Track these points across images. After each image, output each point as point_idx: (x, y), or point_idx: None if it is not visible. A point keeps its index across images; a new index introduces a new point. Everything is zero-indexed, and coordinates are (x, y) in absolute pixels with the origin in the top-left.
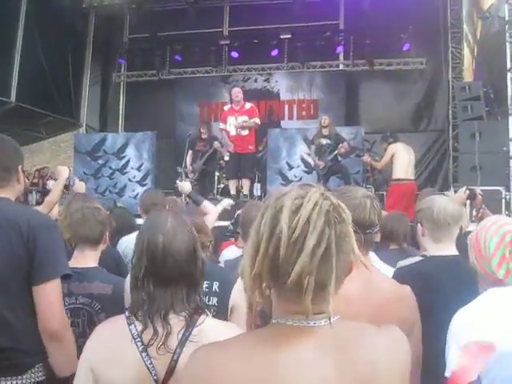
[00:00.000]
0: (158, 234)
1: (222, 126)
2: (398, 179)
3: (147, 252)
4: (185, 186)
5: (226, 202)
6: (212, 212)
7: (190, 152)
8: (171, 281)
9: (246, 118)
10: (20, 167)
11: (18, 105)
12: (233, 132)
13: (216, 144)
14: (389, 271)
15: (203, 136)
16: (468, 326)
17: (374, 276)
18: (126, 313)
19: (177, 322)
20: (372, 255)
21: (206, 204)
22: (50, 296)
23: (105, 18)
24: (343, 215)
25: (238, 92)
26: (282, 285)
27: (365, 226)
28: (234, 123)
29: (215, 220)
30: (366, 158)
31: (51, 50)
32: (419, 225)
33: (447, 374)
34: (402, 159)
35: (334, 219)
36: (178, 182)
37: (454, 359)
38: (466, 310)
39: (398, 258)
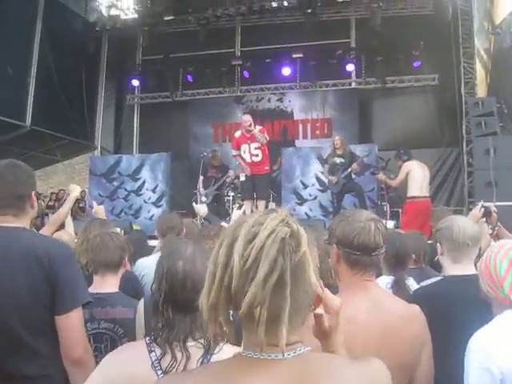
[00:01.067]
0: (178, 260)
1: (234, 152)
2: (413, 197)
3: (167, 277)
4: (201, 208)
5: (236, 216)
6: None
7: (202, 178)
8: (190, 306)
9: (258, 144)
10: (33, 193)
11: (33, 128)
12: (248, 159)
13: (230, 173)
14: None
15: (215, 164)
16: (486, 349)
17: (381, 297)
18: (147, 339)
19: (195, 349)
20: (384, 279)
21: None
22: (72, 325)
23: (118, 40)
24: (302, 243)
25: (246, 120)
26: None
27: (370, 249)
28: (248, 151)
29: None
30: (381, 176)
31: (65, 73)
32: (438, 244)
33: None
34: (417, 177)
35: (290, 247)
36: (194, 204)
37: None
38: (483, 333)
39: (417, 278)
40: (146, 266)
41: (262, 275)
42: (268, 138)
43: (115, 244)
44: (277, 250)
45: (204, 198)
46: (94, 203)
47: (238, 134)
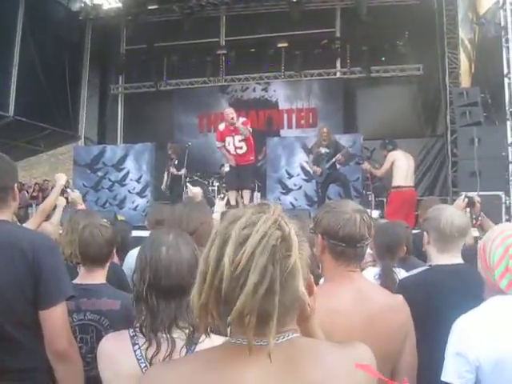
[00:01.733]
0: (161, 246)
1: (219, 144)
2: (398, 186)
3: (151, 264)
4: (196, 190)
5: (219, 207)
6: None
7: (166, 172)
8: (174, 292)
9: (242, 137)
10: (16, 185)
11: (16, 119)
12: (232, 151)
13: (171, 169)
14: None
15: (172, 157)
16: (466, 334)
17: (365, 288)
18: (131, 330)
19: (179, 338)
20: (373, 270)
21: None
22: (56, 319)
23: (101, 30)
24: (292, 249)
25: (229, 113)
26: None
27: (356, 240)
28: (232, 143)
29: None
30: (366, 165)
31: (48, 63)
32: (425, 233)
33: (443, 378)
34: (402, 166)
35: (281, 254)
36: (189, 185)
37: (448, 365)
38: (467, 317)
39: (402, 268)
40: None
41: (251, 285)
42: (251, 130)
43: (104, 238)
44: (267, 258)
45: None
46: (69, 191)
47: (221, 126)
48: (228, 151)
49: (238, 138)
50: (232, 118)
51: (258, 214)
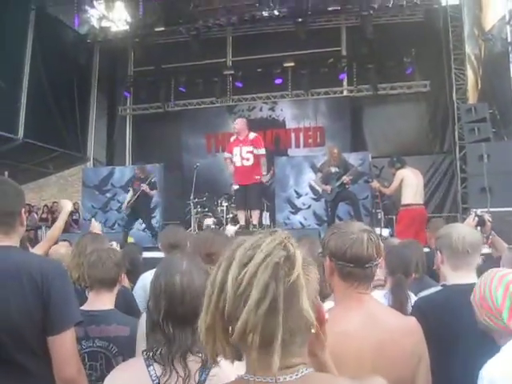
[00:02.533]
0: (175, 275)
1: (226, 155)
2: (408, 204)
3: (165, 293)
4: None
5: (231, 231)
6: None
7: (131, 190)
8: (190, 320)
9: (250, 148)
10: (23, 210)
11: (25, 141)
12: (238, 163)
13: (143, 186)
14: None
15: (141, 176)
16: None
17: (376, 310)
18: (144, 355)
19: (194, 363)
20: (378, 292)
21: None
22: (65, 345)
23: (109, 51)
24: (296, 267)
25: (238, 122)
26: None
27: (363, 261)
28: (239, 153)
29: None
30: (375, 184)
31: (57, 85)
32: (438, 252)
33: None
34: (411, 184)
35: (284, 272)
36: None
37: None
38: (493, 364)
39: (416, 288)
40: (150, 280)
41: (253, 301)
42: (263, 153)
43: (112, 261)
44: (269, 275)
45: (125, 211)
46: (93, 220)
47: (232, 138)
48: (234, 163)
49: (245, 148)
50: (237, 127)
51: (264, 238)
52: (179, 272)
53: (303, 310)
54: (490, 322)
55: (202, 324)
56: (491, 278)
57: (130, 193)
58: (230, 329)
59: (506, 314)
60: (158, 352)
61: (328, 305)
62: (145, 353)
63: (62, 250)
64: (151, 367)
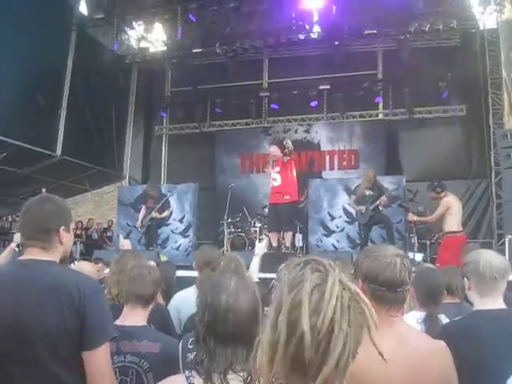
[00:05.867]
0: (222, 294)
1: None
2: (453, 232)
3: (210, 309)
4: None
5: (259, 249)
6: (251, 268)
7: (144, 207)
8: (231, 339)
9: (279, 169)
10: (62, 228)
11: (63, 158)
12: (270, 185)
13: (154, 214)
14: None
15: (153, 194)
16: None
17: (406, 333)
18: (186, 372)
19: (236, 382)
20: (416, 314)
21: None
22: (100, 360)
23: (147, 72)
24: (362, 305)
25: (272, 151)
26: (302, 379)
27: (396, 285)
28: (270, 176)
29: (256, 274)
30: (411, 217)
31: (95, 104)
32: (465, 279)
33: None
34: (456, 212)
35: (355, 314)
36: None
37: None
38: None
39: (454, 313)
40: (182, 300)
41: (337, 352)
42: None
43: (151, 278)
44: (347, 321)
45: (140, 229)
46: (121, 236)
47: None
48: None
49: (275, 169)
50: (274, 155)
51: (316, 273)
52: (226, 292)
53: (372, 340)
54: None
55: (263, 369)
56: None
57: (143, 211)
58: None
59: None
60: (200, 366)
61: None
62: (186, 369)
63: (89, 267)
64: (191, 379)
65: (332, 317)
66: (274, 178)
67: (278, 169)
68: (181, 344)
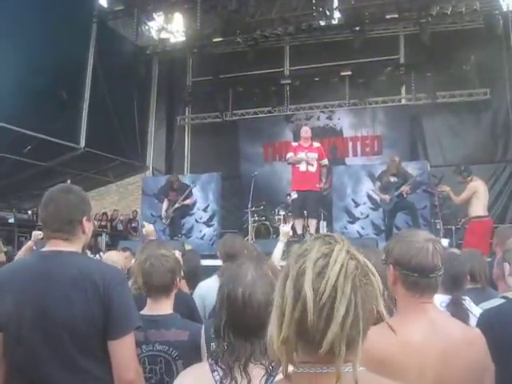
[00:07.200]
0: (238, 287)
1: (289, 155)
2: (480, 216)
3: (227, 303)
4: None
5: (284, 234)
6: (274, 254)
7: (166, 200)
8: (250, 332)
9: (316, 155)
10: (85, 218)
11: (86, 150)
12: (303, 168)
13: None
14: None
15: (175, 186)
16: None
17: (440, 320)
18: (210, 360)
19: (257, 371)
20: (440, 297)
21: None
22: (125, 349)
23: (168, 62)
24: (370, 276)
25: (307, 130)
26: (311, 348)
27: (428, 270)
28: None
29: (279, 260)
30: (444, 187)
31: (117, 96)
32: (507, 264)
33: None
34: (482, 196)
35: (361, 282)
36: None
37: None
38: None
39: (477, 298)
40: (207, 288)
41: (340, 316)
42: (327, 164)
43: (165, 267)
44: (350, 287)
45: (164, 220)
46: (145, 223)
47: (294, 143)
48: (298, 168)
49: (311, 155)
50: (307, 134)
51: (325, 245)
52: (242, 284)
53: (380, 312)
54: None
55: (274, 336)
56: None
57: (165, 204)
58: (307, 339)
59: None
60: (220, 358)
61: None
62: (210, 358)
63: (116, 256)
64: (216, 372)
65: (335, 282)
66: (312, 163)
67: (316, 155)
68: (203, 331)
